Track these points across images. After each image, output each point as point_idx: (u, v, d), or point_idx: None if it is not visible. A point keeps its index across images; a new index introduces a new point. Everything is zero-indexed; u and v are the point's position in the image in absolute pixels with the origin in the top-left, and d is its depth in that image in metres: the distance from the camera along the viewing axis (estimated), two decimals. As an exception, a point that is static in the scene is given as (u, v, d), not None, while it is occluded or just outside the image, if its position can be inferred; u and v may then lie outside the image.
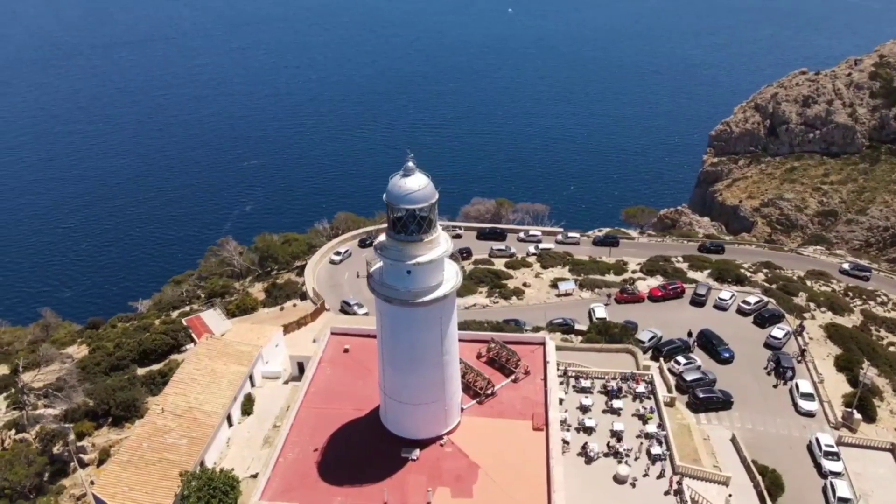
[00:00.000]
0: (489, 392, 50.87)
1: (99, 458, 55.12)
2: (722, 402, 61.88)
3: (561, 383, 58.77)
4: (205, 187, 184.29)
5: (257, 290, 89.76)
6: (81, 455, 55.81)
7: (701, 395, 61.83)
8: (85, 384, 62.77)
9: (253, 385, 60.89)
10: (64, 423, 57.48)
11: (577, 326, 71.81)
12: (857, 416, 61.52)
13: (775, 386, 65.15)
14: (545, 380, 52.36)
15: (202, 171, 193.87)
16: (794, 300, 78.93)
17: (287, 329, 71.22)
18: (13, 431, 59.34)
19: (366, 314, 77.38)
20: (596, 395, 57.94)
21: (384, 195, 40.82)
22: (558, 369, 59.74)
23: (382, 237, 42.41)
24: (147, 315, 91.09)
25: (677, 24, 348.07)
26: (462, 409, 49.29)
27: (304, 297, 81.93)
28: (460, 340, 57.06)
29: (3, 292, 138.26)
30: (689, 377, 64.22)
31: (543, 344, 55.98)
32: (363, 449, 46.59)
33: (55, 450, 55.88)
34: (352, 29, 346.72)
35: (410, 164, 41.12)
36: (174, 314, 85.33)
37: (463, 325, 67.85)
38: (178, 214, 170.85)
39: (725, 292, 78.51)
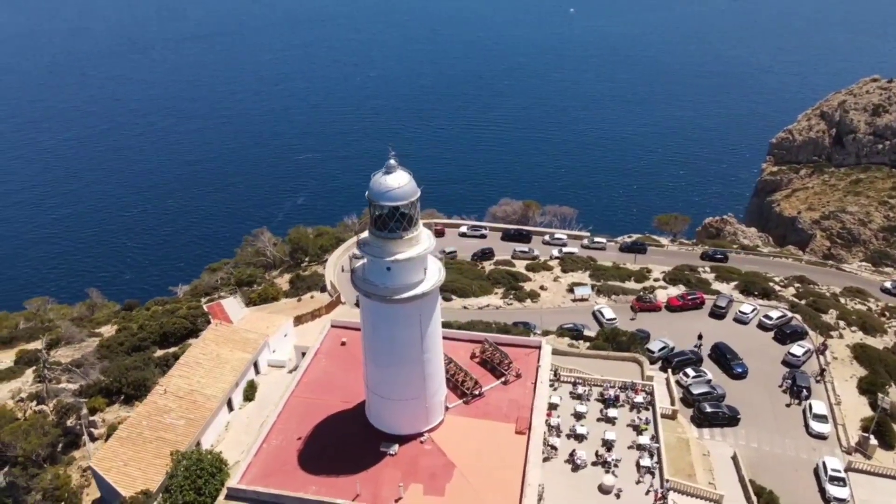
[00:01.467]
0: (476, 393, 50.94)
1: (107, 433, 57.63)
2: (728, 419, 60.08)
3: (554, 388, 58.33)
4: (262, 178, 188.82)
5: (284, 281, 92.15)
6: (92, 429, 58.67)
7: (706, 410, 60.21)
8: (104, 362, 65.94)
9: (258, 372, 62.71)
10: (79, 398, 60.57)
11: (586, 332, 70.88)
12: (874, 441, 58.71)
13: (788, 405, 62.81)
14: (535, 384, 52.21)
15: (260, 162, 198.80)
16: (822, 317, 75.69)
17: (300, 320, 72.95)
18: (34, 403, 62.90)
19: (379, 309, 78.24)
20: (592, 403, 57.07)
21: (367, 192, 41.49)
22: (554, 373, 59.39)
23: (366, 234, 43.15)
24: (179, 300, 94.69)
25: (746, 27, 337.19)
26: (447, 408, 49.53)
27: (323, 289, 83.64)
28: (455, 340, 57.67)
29: (60, 272, 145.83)
30: (696, 390, 62.61)
31: (539, 347, 55.81)
32: (344, 441, 47.37)
33: (69, 423, 58.97)
34: (412, 27, 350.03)
35: (392, 161, 41.60)
36: (204, 300, 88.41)
37: (468, 325, 68.24)
38: (232, 204, 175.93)
39: (747, 305, 75.97)
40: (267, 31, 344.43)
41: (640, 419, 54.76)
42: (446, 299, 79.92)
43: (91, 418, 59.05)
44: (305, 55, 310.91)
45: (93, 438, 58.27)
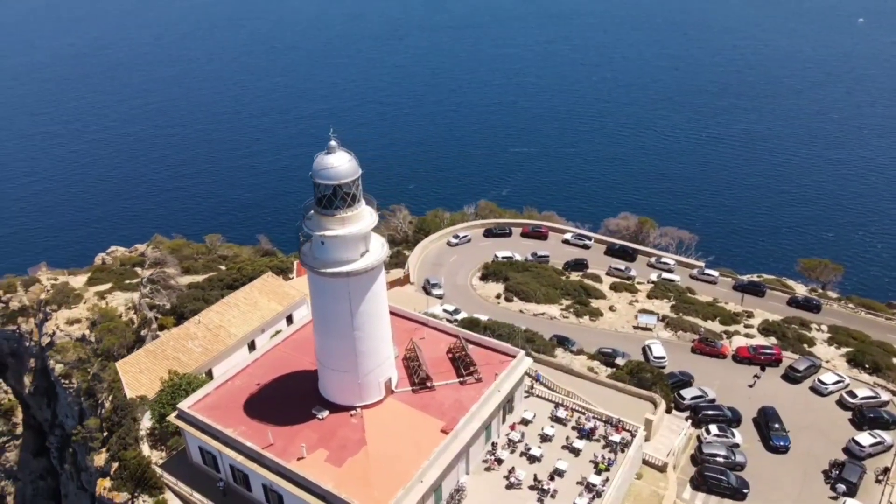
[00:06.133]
0: (429, 385, 51.59)
1: (163, 347, 68.19)
2: (731, 490, 52.37)
3: (526, 397, 56.28)
4: (470, 162, 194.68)
5: (388, 256, 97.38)
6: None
7: (705, 473, 53.28)
8: (189, 290, 77.37)
9: (290, 324, 68.87)
10: (156, 315, 72.24)
11: (618, 360, 65.58)
12: (914, 569, 47.36)
13: (824, 474, 53.03)
14: (487, 391, 51.05)
15: (474, 148, 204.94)
16: (938, 412, 60.95)
17: (362, 290, 77.73)
18: (133, 312, 76.34)
19: (439, 295, 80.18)
20: (567, 429, 53.91)
21: (310, 172, 44.35)
22: (530, 391, 57.34)
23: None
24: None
25: None
26: (393, 391, 51.00)
27: (403, 265, 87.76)
28: (443, 332, 58.50)
29: (243, 216, 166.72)
30: (707, 450, 55.40)
31: (514, 357, 54.15)
32: (290, 396, 51.30)
33: (142, 332, 70.83)
34: (663, 31, 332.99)
35: (333, 142, 44.07)
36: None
37: (493, 325, 67.47)
38: (421, 182, 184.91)
39: (830, 375, 63.73)
40: (513, 24, 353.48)
41: (605, 458, 50.69)
42: (507, 300, 79.10)
43: (158, 333, 70.15)
44: (546, 52, 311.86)
45: (154, 349, 69.24)
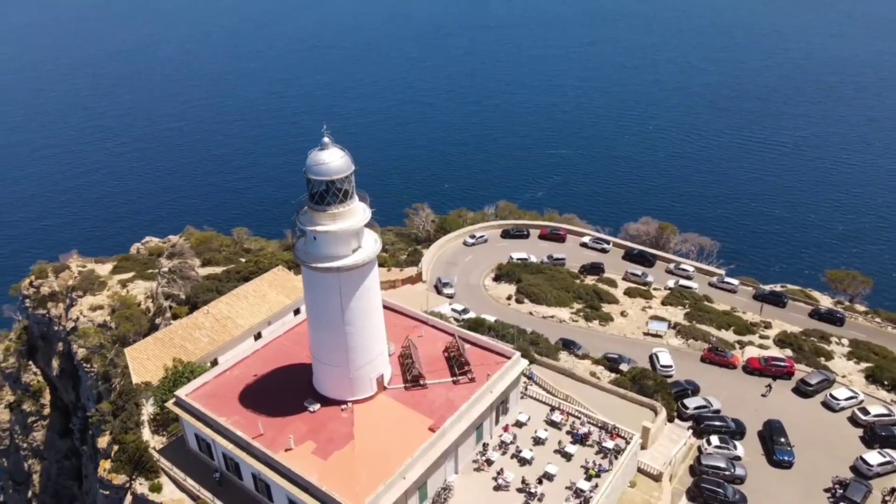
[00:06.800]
0: (420, 383, 51.74)
1: (175, 335, 69.77)
2: (728, 503, 51.22)
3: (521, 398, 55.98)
4: (507, 164, 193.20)
5: (406, 254, 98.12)
6: (169, 330, 71.38)
7: (701, 485, 52.12)
8: (200, 280, 78.98)
9: (297, 315, 69.79)
10: (171, 304, 74.01)
11: (622, 366, 64.48)
12: None
13: (827, 492, 51.16)
14: (478, 390, 50.89)
15: (512, 149, 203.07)
16: (958, 433, 58.18)
17: (373, 286, 78.28)
18: (150, 300, 78.35)
19: (449, 295, 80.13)
20: (561, 433, 53.44)
21: (304, 168, 44.88)
22: (525, 392, 56.98)
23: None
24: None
25: None
26: (385, 388, 51.27)
27: (417, 264, 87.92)
28: (441, 331, 58.52)
29: (272, 212, 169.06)
30: (705, 461, 54.17)
31: (509, 358, 53.84)
32: (284, 388, 52.07)
33: (157, 321, 72.68)
34: (709, 34, 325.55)
35: (326, 139, 44.54)
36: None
37: (498, 326, 67.21)
38: (467, 182, 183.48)
39: (843, 390, 61.42)
40: (555, 25, 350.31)
41: (597, 464, 50.05)
42: (518, 301, 78.55)
43: (171, 321, 71.85)
44: (589, 53, 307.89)
45: (168, 337, 70.92)
